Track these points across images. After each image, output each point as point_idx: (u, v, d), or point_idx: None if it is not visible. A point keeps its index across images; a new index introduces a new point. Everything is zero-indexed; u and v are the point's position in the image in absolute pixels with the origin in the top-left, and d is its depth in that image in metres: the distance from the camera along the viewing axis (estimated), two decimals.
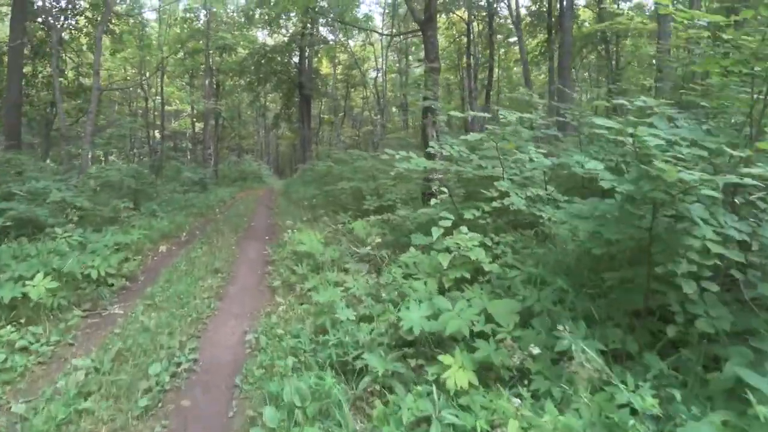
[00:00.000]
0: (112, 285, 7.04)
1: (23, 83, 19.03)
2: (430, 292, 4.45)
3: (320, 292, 5.11)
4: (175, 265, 8.30)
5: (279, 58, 30.73)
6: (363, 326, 4.14)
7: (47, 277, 5.70)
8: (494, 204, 5.29)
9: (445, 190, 7.23)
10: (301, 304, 5.79)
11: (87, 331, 5.58)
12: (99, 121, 30.21)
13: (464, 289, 4.57)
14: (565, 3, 23.59)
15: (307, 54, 30.27)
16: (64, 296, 6.06)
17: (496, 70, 31.64)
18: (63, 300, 6.01)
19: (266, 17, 29.98)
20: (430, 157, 7.19)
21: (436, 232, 4.77)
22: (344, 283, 5.52)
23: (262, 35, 33.32)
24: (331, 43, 32.52)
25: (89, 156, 13.54)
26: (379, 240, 6.55)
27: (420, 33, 11.88)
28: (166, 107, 40.17)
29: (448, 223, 4.90)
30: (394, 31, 30.64)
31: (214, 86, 29.64)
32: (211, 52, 24.00)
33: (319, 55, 32.98)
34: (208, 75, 23.85)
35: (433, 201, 5.24)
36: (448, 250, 4.66)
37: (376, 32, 26.26)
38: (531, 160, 5.86)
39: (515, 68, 36.03)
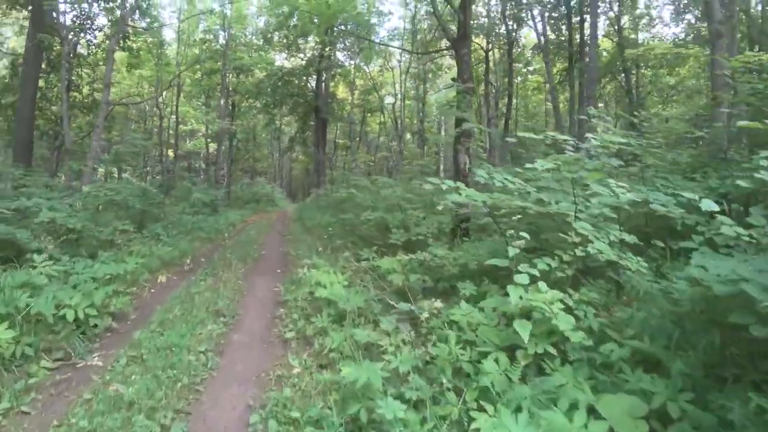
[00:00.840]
0: (96, 326, 5.82)
1: (37, 96, 18.37)
2: (506, 374, 3.19)
3: (348, 362, 3.86)
4: (173, 302, 7.08)
5: (296, 81, 30.08)
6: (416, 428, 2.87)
7: (3, 322, 4.50)
8: (576, 252, 4.04)
9: (487, 222, 6.02)
10: (322, 366, 4.54)
11: (52, 393, 4.34)
12: (113, 137, 29.57)
13: (546, 368, 3.31)
14: (588, 31, 22.70)
15: (324, 78, 29.57)
16: (30, 343, 4.86)
17: (514, 98, 30.67)
18: (28, 348, 4.81)
19: (285, 40, 29.45)
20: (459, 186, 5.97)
21: (515, 292, 3.50)
22: (378, 347, 4.24)
23: (279, 58, 32.77)
24: (348, 67, 31.90)
25: (94, 173, 12.50)
26: (410, 284, 5.30)
27: (448, 51, 10.94)
28: (182, 127, 39.65)
29: (526, 280, 3.64)
30: (413, 58, 29.90)
31: (230, 107, 28.94)
32: (227, 72, 23.24)
33: (336, 80, 32.30)
34: (224, 95, 23.03)
35: (511, 251, 3.95)
36: (526, 314, 3.41)
37: (405, 50, 25.31)
38: (612, 194, 4.62)
39: (533, 97, 35.09)
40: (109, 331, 5.95)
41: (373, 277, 6.81)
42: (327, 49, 28.64)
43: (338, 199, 16.08)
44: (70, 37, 18.63)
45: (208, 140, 34.79)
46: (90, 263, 7.35)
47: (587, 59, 21.41)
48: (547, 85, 33.91)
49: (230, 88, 26.95)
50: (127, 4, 14.90)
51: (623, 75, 29.54)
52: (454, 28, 11.14)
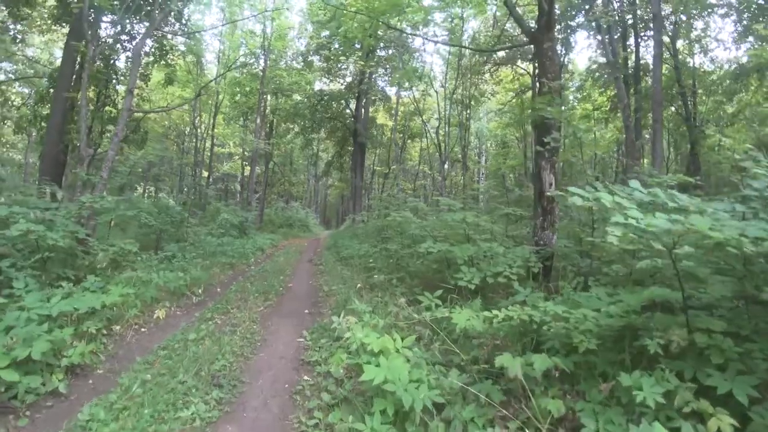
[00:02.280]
0: (24, 400, 3.76)
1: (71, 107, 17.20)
2: None
3: None
4: (158, 354, 4.97)
5: (335, 105, 28.57)
6: None
7: None
8: None
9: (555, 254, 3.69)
10: None
11: None
12: (147, 156, 28.45)
13: None
14: (654, 50, 20.23)
15: (363, 102, 27.92)
16: None
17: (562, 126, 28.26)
18: None
19: (325, 64, 28.09)
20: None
21: None
22: None
23: (319, 84, 31.37)
24: (387, 93, 30.31)
25: (104, 185, 10.75)
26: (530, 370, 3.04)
27: (519, 50, 8.88)
28: (220, 149, 38.70)
29: None
30: (458, 82, 27.97)
31: (267, 128, 27.51)
32: (265, 92, 21.78)
33: (375, 104, 30.64)
34: (260, 114, 21.51)
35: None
36: None
37: (467, 48, 23.21)
38: None
39: (580, 125, 32.54)
40: (45, 407, 3.85)
41: (442, 339, 4.54)
42: (367, 73, 27.12)
43: (378, 227, 13.93)
44: (105, 50, 17.52)
45: (245, 163, 33.48)
46: (60, 292, 5.36)
47: (650, 81, 19.03)
48: (596, 113, 31.62)
49: (267, 109, 25.61)
50: (160, 9, 13.42)
51: (681, 102, 26.83)
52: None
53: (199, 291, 8.44)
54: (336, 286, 8.53)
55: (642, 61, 23.90)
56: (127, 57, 19.89)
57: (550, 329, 3.85)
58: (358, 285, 8.12)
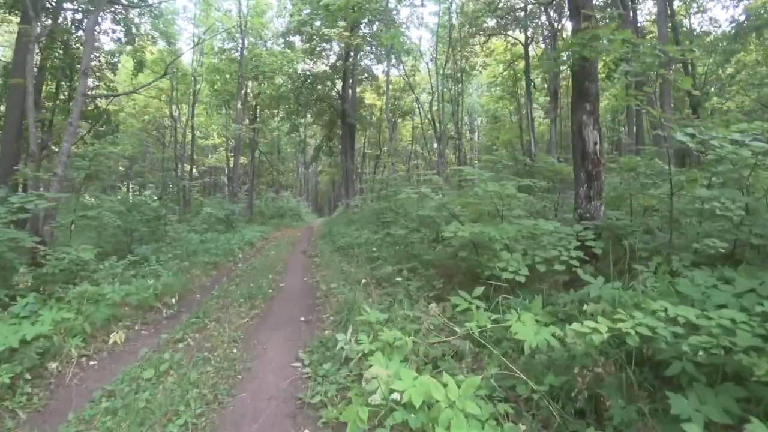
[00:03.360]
0: None
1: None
2: None
3: None
4: (96, 411, 3.49)
5: (320, 87, 26.76)
6: None
7: None
8: None
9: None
10: None
11: None
12: (126, 152, 26.60)
13: None
14: (657, 7, 18.75)
15: (350, 82, 26.14)
16: None
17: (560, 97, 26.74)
18: None
19: (308, 44, 26.21)
20: None
21: None
22: None
23: (302, 67, 29.40)
24: (374, 72, 28.52)
25: (60, 182, 9.15)
26: None
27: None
28: (204, 141, 36.81)
29: None
30: (446, 56, 26.22)
31: (251, 114, 25.73)
32: (244, 75, 20.00)
33: (363, 84, 28.86)
34: (240, 98, 19.75)
35: None
36: None
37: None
38: None
39: None
40: None
41: (498, 360, 3.11)
42: (351, 54, 25.33)
43: (376, 211, 12.46)
44: (62, 34, 15.73)
45: (230, 154, 31.68)
46: None
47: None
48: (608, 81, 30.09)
49: (250, 94, 23.85)
50: None
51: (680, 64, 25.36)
52: None
53: (173, 301, 6.93)
54: (336, 283, 7.05)
55: (638, 25, 22.40)
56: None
57: (682, 344, 2.40)
58: (363, 280, 6.65)
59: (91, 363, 4.74)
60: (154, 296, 6.75)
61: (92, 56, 17.81)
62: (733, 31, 22.28)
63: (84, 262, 7.22)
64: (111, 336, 5.29)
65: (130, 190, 33.15)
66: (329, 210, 42.82)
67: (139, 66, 18.45)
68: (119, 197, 16.56)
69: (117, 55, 18.73)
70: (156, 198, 12.45)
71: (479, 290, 3.91)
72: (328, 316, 5.71)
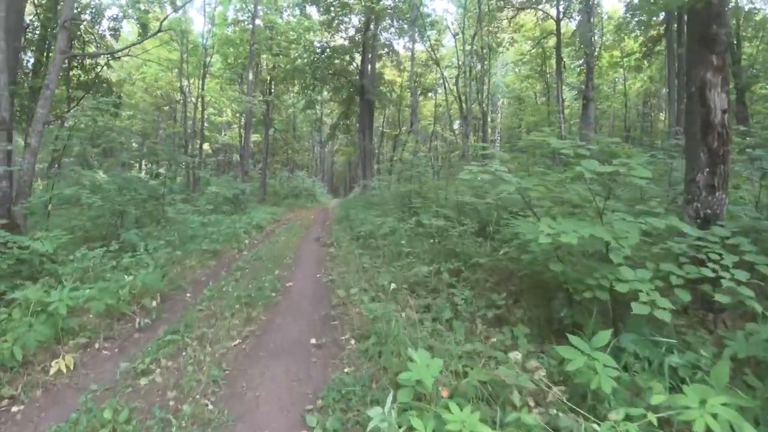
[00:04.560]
0: None
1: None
2: None
3: None
4: None
5: (338, 62, 24.92)
6: None
7: None
8: None
9: None
10: None
11: None
12: (135, 127, 25.23)
13: None
14: None
15: (370, 56, 24.23)
16: None
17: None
18: None
19: (324, 17, 24.32)
20: None
21: None
22: None
23: (319, 40, 27.48)
24: (395, 47, 26.54)
25: (34, 154, 7.71)
26: None
27: None
28: (218, 117, 35.28)
29: None
30: (475, 28, 24.11)
31: (266, 90, 24.06)
32: (256, 44, 18.29)
33: (383, 60, 26.95)
34: (251, 68, 18.07)
35: None
36: None
37: None
38: None
39: (612, 74, 28.76)
40: None
41: None
42: (371, 26, 23.41)
43: (400, 194, 10.85)
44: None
45: (243, 131, 30.12)
46: None
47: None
48: (626, 60, 27.68)
49: (263, 67, 22.17)
50: None
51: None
52: None
53: (153, 304, 5.44)
54: (356, 287, 5.49)
55: None
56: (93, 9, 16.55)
57: None
58: (392, 285, 5.07)
59: (14, 410, 3.28)
60: (128, 299, 5.26)
61: (75, 9, 16.23)
62: None
63: (44, 254, 5.78)
64: (56, 364, 3.83)
65: (143, 167, 31.94)
66: (345, 191, 41.25)
67: (143, 30, 16.88)
68: (101, 174, 15.11)
69: (120, 19, 17.20)
70: (153, 174, 10.95)
71: (606, 335, 2.31)
72: (348, 338, 4.16)
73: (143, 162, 31.05)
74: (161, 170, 26.92)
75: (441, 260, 5.87)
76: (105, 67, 17.39)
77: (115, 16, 17.08)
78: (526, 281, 4.53)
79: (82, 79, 16.52)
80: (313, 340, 4.21)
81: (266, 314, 5.02)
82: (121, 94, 16.88)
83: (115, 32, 16.84)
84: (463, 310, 4.37)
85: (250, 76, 17.96)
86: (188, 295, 6.24)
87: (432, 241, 6.40)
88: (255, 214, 14.88)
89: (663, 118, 29.42)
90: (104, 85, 16.27)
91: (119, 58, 17.68)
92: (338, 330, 4.42)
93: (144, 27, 16.86)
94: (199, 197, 14.30)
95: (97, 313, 4.81)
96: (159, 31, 10.01)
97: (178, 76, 22.25)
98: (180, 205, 13.09)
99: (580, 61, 26.08)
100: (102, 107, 8.69)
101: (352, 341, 4.05)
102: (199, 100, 23.44)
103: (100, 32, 16.57)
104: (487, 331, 3.92)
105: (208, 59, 23.57)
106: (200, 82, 22.05)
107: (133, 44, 13.15)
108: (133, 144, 29.96)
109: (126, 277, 5.78)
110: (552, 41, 27.07)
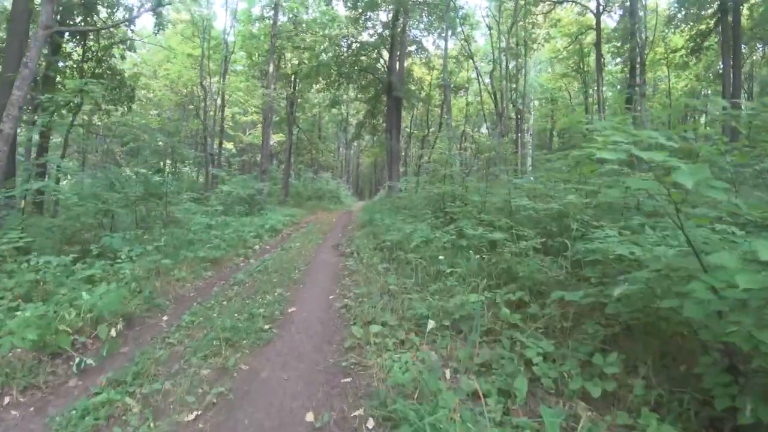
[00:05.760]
0: None
1: None
2: None
3: None
4: None
5: (364, 58, 23.51)
6: None
7: None
8: None
9: None
10: None
11: None
12: (153, 124, 24.33)
13: None
14: None
15: (398, 53, 22.72)
16: None
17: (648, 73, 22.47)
18: None
19: (351, 13, 22.94)
20: None
21: None
22: None
23: (345, 39, 26.10)
24: (424, 44, 25.02)
25: (6, 141, 6.49)
26: None
27: None
28: (243, 117, 34.31)
29: None
30: (501, 25, 22.40)
31: (288, 87, 22.84)
32: (277, 35, 17.02)
33: (411, 57, 25.41)
34: (272, 61, 16.80)
35: None
36: None
37: None
38: None
39: (661, 71, 26.52)
40: None
41: None
42: (400, 20, 21.92)
43: (432, 197, 9.31)
44: None
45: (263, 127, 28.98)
46: None
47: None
48: (673, 56, 25.39)
49: (287, 63, 20.96)
50: None
51: None
52: None
53: (111, 332, 4.05)
54: (379, 322, 3.96)
55: None
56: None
57: None
58: (430, 323, 3.53)
59: None
60: (76, 326, 3.88)
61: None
62: None
63: None
64: None
65: (166, 166, 31.15)
66: (370, 193, 39.87)
67: (159, 23, 15.76)
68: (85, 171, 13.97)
69: (136, 10, 16.11)
70: (155, 171, 9.68)
71: None
72: (364, 417, 2.63)
73: (166, 160, 30.35)
74: (192, 170, 26.00)
75: (494, 285, 4.30)
76: (120, 59, 16.34)
77: (130, 5, 16.02)
78: (639, 331, 2.94)
79: (96, 72, 15.49)
80: (309, 416, 2.69)
81: (251, 360, 3.53)
82: (134, 87, 15.74)
83: (131, 22, 15.77)
84: (543, 373, 2.80)
85: (271, 69, 16.67)
86: (166, 318, 4.84)
87: (480, 257, 4.83)
88: (271, 215, 13.54)
89: (703, 120, 26.94)
90: (118, 77, 15.18)
91: (133, 48, 16.61)
92: (350, 398, 2.89)
93: (160, 19, 15.71)
94: (211, 197, 13.03)
95: (31, 348, 3.42)
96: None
97: (200, 71, 21.17)
98: (188, 205, 11.85)
99: (622, 58, 24.10)
100: (88, 89, 7.37)
101: (371, 424, 2.53)
102: (219, 94, 22.41)
103: (114, 20, 15.49)
104: (593, 421, 2.35)
105: (230, 55, 22.55)
106: (221, 78, 20.98)
107: (121, 22, 11.87)
108: (159, 142, 29.27)
109: (84, 295, 4.42)
110: (590, 37, 25.15)
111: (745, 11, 19.62)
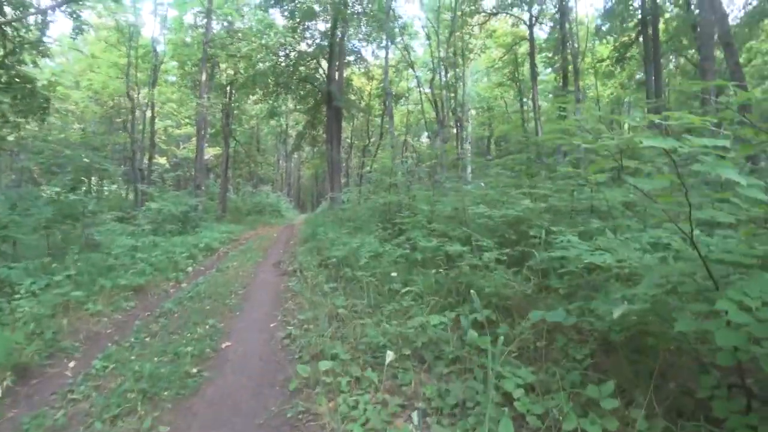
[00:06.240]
0: None
1: None
2: None
3: None
4: None
5: (303, 68, 22.85)
6: None
7: None
8: None
9: None
10: None
11: None
12: (73, 139, 22.41)
13: None
14: None
15: (337, 64, 22.24)
16: None
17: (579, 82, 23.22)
18: None
19: (289, 22, 22.25)
20: None
21: None
22: None
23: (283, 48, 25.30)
24: (363, 54, 24.68)
25: None
26: None
27: None
28: (176, 130, 32.52)
29: None
30: (440, 34, 22.57)
31: (224, 98, 21.74)
32: (209, 42, 16.08)
33: (351, 66, 25.04)
34: (204, 69, 15.83)
35: None
36: None
37: None
38: None
39: (589, 80, 27.66)
40: None
41: None
42: (338, 32, 21.53)
43: (379, 207, 8.86)
44: None
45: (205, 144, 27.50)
46: None
47: (698, 17, 14.18)
48: (599, 66, 26.61)
49: (221, 69, 19.94)
50: None
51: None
52: None
53: None
54: (329, 356, 3.40)
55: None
56: None
57: None
58: (389, 354, 3.01)
59: None
60: None
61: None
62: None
63: None
64: None
65: (91, 183, 28.84)
66: (312, 206, 38.98)
67: (78, 28, 14.38)
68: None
69: (51, 11, 14.64)
70: (69, 189, 8.61)
71: None
72: None
73: (92, 177, 28.05)
74: (121, 188, 24.07)
75: (455, 303, 3.87)
76: (33, 65, 14.76)
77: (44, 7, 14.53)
78: (624, 348, 2.58)
79: (1, 79, 13.85)
80: None
81: (173, 418, 2.85)
82: (49, 98, 14.21)
83: (44, 24, 14.29)
84: (527, 410, 2.36)
85: (204, 78, 15.68)
86: (73, 364, 4.02)
87: (437, 271, 4.39)
88: (207, 233, 12.56)
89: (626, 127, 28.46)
90: (28, 86, 13.64)
91: (48, 55, 15.11)
92: None
93: (79, 23, 14.32)
94: (138, 215, 11.89)
95: None
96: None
97: (126, 81, 19.67)
98: (112, 225, 10.74)
99: (554, 67, 24.94)
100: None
101: None
102: (149, 107, 20.96)
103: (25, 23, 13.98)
104: None
105: (160, 64, 21.18)
106: (150, 87, 19.60)
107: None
108: (84, 158, 26.96)
109: None
110: (524, 48, 25.91)
111: (661, 25, 20.83)
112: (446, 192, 9.99)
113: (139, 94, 20.74)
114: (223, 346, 4.07)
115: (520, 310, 3.60)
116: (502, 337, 2.65)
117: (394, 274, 4.63)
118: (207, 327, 4.55)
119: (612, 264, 3.05)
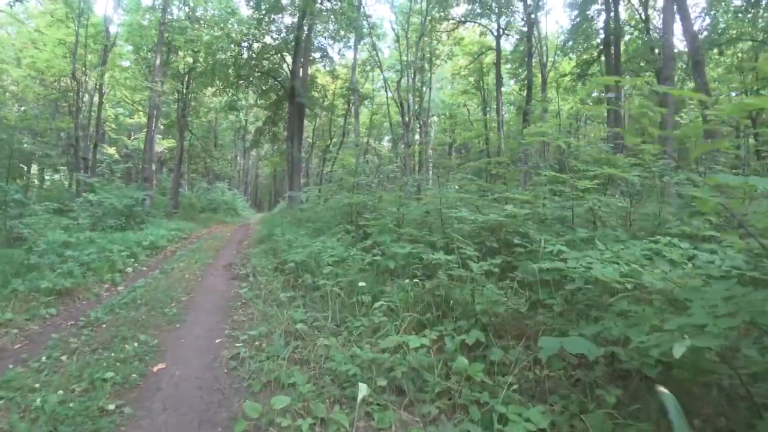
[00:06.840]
0: None
1: None
2: None
3: None
4: None
5: (266, 63, 21.86)
6: None
7: None
8: None
9: None
10: None
11: None
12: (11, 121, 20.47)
13: None
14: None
15: (302, 60, 21.38)
16: None
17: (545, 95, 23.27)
18: None
19: (253, 13, 21.23)
20: None
21: None
22: None
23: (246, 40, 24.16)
24: (329, 52, 23.92)
25: None
26: None
27: None
28: (128, 120, 30.60)
29: None
30: (409, 37, 22.19)
31: (182, 87, 20.47)
32: (165, 23, 14.95)
33: (316, 63, 24.22)
34: (159, 51, 14.69)
35: None
36: None
37: None
38: None
39: (551, 94, 27.94)
40: None
41: None
42: (305, 28, 20.70)
43: (342, 209, 8.24)
44: None
45: (158, 135, 25.83)
46: None
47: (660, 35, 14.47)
48: (562, 80, 26.97)
49: (179, 56, 18.72)
50: None
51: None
52: None
53: None
54: (284, 390, 2.76)
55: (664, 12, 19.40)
56: None
57: None
58: (361, 390, 2.40)
59: None
60: None
61: None
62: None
63: None
64: None
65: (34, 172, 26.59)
66: (270, 205, 37.69)
67: None
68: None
69: None
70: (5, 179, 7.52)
71: None
72: None
73: (31, 166, 25.82)
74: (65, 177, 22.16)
75: (434, 319, 3.31)
76: None
77: None
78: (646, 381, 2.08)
79: None
80: None
81: None
82: None
83: None
84: None
85: (158, 61, 14.53)
86: None
87: (414, 283, 3.80)
88: (154, 230, 11.49)
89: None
90: None
91: None
92: None
93: None
94: (74, 207, 10.72)
95: None
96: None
97: (72, 61, 18.06)
98: (46, 217, 9.59)
99: (518, 79, 25.08)
100: None
101: None
102: (97, 91, 19.39)
103: None
104: None
105: (112, 46, 19.64)
106: (100, 68, 18.05)
107: None
108: (24, 144, 24.71)
109: None
110: (490, 57, 25.95)
111: (622, 46, 21.22)
112: (410, 195, 9.46)
113: (87, 76, 19.14)
114: (155, 369, 3.32)
115: (512, 329, 3.08)
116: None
117: (362, 284, 4.01)
118: (137, 344, 3.76)
119: (628, 280, 2.56)
